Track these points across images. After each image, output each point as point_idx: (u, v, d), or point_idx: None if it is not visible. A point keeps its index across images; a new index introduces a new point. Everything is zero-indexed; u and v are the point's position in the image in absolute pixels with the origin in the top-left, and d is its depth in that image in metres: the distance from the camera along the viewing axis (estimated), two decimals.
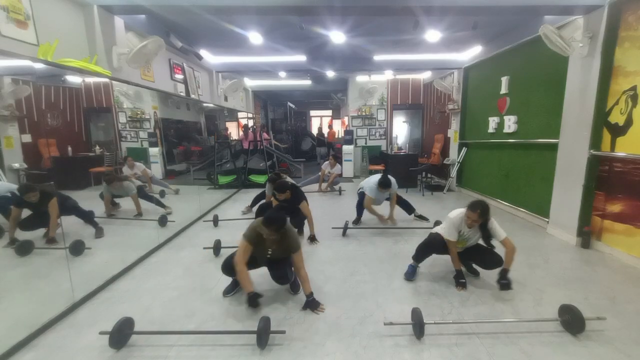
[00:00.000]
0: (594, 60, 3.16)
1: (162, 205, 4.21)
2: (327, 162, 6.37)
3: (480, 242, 2.53)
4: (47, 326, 2.05)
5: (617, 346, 1.84)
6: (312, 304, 2.22)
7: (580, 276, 2.71)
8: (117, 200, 3.87)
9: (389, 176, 3.87)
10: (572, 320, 1.93)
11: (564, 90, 3.56)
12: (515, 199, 4.59)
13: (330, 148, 9.92)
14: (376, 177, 3.87)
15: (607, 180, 3.17)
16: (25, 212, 2.89)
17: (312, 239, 3.52)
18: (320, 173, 6.40)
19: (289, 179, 4.49)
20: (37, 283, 2.60)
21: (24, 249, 2.78)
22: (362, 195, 4.00)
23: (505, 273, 2.35)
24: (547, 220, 3.86)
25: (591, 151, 3.22)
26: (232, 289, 2.45)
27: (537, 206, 4.11)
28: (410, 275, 2.66)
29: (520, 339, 1.91)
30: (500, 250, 2.45)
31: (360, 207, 4.08)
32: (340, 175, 7.82)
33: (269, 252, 2.29)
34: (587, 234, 3.28)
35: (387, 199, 4.09)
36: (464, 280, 2.49)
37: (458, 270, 2.52)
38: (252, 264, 2.37)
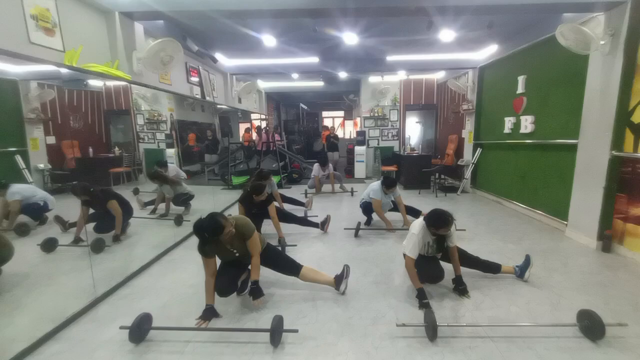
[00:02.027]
0: (616, 58, 3.06)
1: (188, 207, 4.41)
2: (317, 166, 6.10)
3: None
4: (71, 320, 2.14)
5: None
6: (254, 292, 2.17)
7: (600, 281, 2.62)
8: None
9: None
10: (591, 326, 1.88)
11: (583, 89, 3.45)
12: (532, 200, 4.49)
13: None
14: (376, 182, 3.90)
15: (629, 182, 3.06)
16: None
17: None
18: (314, 179, 6.09)
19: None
20: (61, 279, 2.71)
21: (48, 245, 2.91)
22: (365, 204, 4.02)
23: (461, 279, 2.41)
24: (565, 223, 3.75)
25: (613, 152, 3.12)
26: (245, 288, 2.49)
27: (555, 208, 4.00)
28: None
29: (536, 343, 1.87)
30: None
31: (366, 212, 4.08)
32: (351, 176, 7.82)
33: (234, 251, 2.25)
34: (608, 238, 3.18)
35: (392, 209, 4.04)
36: (426, 301, 2.22)
37: (419, 289, 2.27)
38: (240, 269, 2.38)
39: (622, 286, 2.53)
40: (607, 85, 3.17)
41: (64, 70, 2.50)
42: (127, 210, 3.43)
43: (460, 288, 2.39)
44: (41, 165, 2.91)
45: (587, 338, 1.89)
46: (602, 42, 3.11)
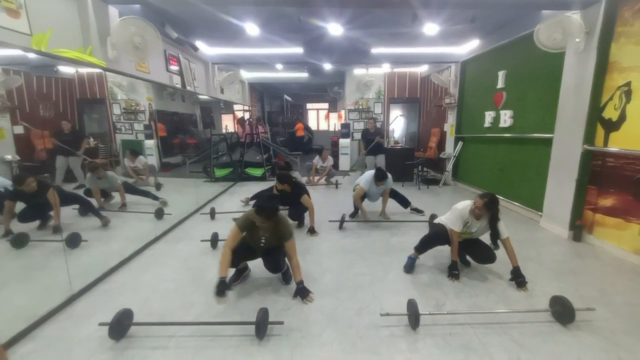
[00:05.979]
0: (590, 56, 3.18)
1: (155, 198, 4.19)
2: (317, 157, 6.33)
3: (481, 238, 2.64)
4: (46, 318, 2.06)
5: (606, 336, 1.90)
6: (302, 292, 2.26)
7: (571, 268, 2.77)
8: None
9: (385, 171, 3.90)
10: (562, 311, 1.98)
11: (559, 86, 3.58)
12: (509, 192, 4.65)
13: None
14: (372, 172, 3.90)
15: (599, 175, 3.22)
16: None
17: (312, 230, 3.57)
18: (311, 166, 6.36)
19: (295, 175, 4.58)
20: (34, 275, 2.60)
21: (19, 241, 2.77)
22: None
23: (518, 271, 2.44)
24: (540, 214, 3.92)
25: (585, 146, 3.26)
26: (236, 279, 2.48)
27: (531, 200, 4.17)
28: (409, 268, 2.69)
29: (512, 329, 1.96)
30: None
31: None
32: (336, 169, 7.83)
33: (262, 241, 2.32)
34: (579, 228, 3.35)
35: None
36: (457, 272, 2.55)
37: (454, 262, 2.57)
38: (249, 254, 2.41)
39: (590, 273, 2.69)
40: (581, 82, 3.29)
41: (31, 55, 2.34)
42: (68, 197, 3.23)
43: (518, 280, 2.42)
44: (9, 157, 2.74)
45: (558, 322, 2.00)
46: (577, 40, 3.22)
